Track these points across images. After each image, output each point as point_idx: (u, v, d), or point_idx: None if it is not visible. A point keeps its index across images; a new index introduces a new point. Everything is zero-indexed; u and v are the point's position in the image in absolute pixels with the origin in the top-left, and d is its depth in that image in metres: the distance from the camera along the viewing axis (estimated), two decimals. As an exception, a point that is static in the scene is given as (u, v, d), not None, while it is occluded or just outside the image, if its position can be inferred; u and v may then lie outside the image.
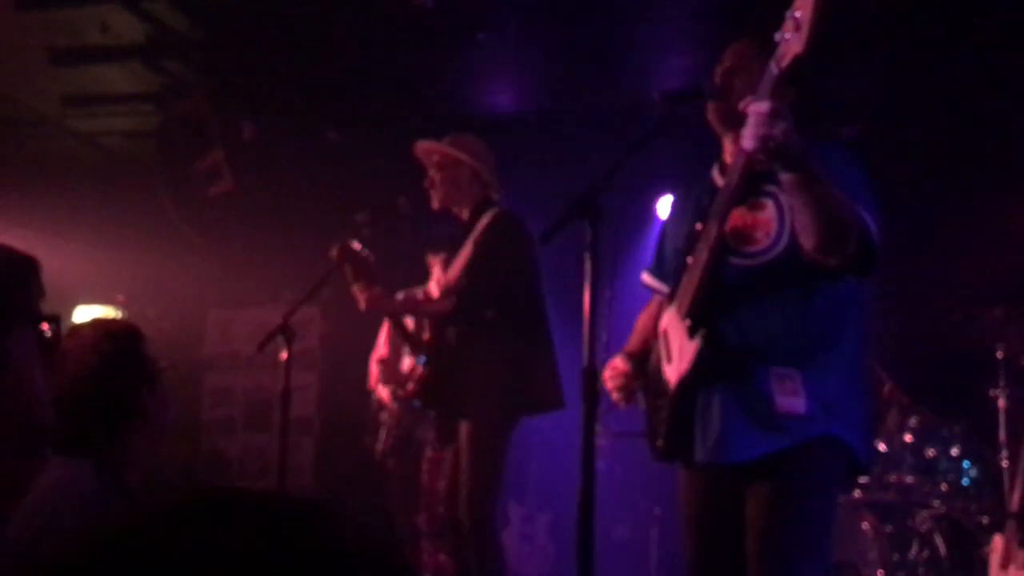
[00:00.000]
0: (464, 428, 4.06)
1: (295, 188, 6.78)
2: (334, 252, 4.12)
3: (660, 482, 6.27)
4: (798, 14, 2.23)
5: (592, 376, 2.45)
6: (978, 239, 5.67)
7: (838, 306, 2.56)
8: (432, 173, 4.29)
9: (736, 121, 2.71)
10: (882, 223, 2.46)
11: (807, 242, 2.41)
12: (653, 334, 2.86)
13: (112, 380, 2.11)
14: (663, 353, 2.74)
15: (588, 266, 2.44)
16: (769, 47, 2.72)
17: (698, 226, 2.62)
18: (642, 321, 2.98)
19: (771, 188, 2.54)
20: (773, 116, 2.24)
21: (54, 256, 7.11)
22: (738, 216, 2.57)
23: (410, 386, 4.22)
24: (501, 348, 4.06)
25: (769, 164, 2.35)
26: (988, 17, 5.23)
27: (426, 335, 4.26)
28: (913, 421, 4.64)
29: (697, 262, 2.58)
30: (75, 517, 2.04)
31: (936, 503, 4.52)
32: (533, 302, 4.21)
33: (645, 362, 2.83)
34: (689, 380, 2.60)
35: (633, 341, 2.93)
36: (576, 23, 5.55)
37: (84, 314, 7.87)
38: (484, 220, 4.21)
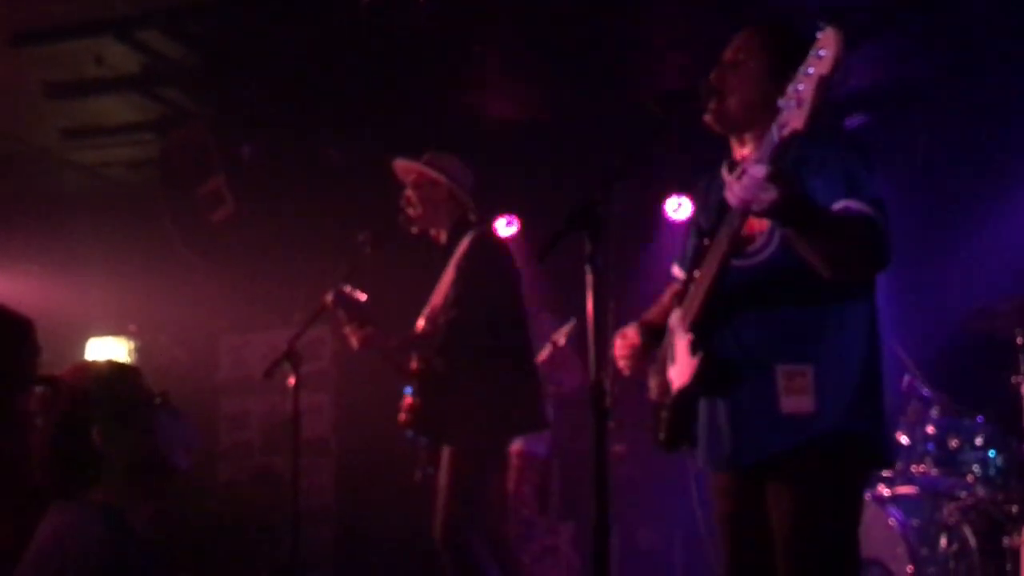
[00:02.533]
0: (446, 453, 4.03)
1: (298, 209, 6.76)
2: (329, 298, 4.12)
3: (684, 487, 6.22)
4: (801, 87, 2.20)
5: (600, 390, 2.40)
6: (995, 225, 5.60)
7: (845, 296, 2.52)
8: (408, 192, 4.27)
9: (733, 122, 2.67)
10: (888, 211, 2.44)
11: (819, 271, 2.41)
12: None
13: (62, 427, 2.06)
14: (669, 352, 2.74)
15: (589, 279, 2.40)
16: (774, 39, 2.66)
17: (705, 241, 2.60)
18: (663, 298, 2.98)
19: None
20: (768, 181, 2.22)
21: (64, 290, 7.19)
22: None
23: (401, 416, 4.19)
24: (486, 372, 4.04)
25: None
26: (996, 3, 5.17)
27: (413, 364, 4.23)
28: (935, 412, 4.57)
29: (703, 278, 2.57)
30: (81, 562, 2.01)
31: (963, 494, 4.44)
32: (516, 324, 4.19)
33: (659, 335, 2.82)
34: (688, 392, 2.62)
35: (653, 312, 2.94)
36: (573, 29, 5.51)
37: (97, 346, 7.87)
38: (464, 243, 4.17)
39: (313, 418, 7.15)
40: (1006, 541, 4.24)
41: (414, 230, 4.32)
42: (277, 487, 7.23)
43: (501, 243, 4.37)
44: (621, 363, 2.84)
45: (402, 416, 4.27)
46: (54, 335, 7.36)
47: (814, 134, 2.38)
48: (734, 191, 2.27)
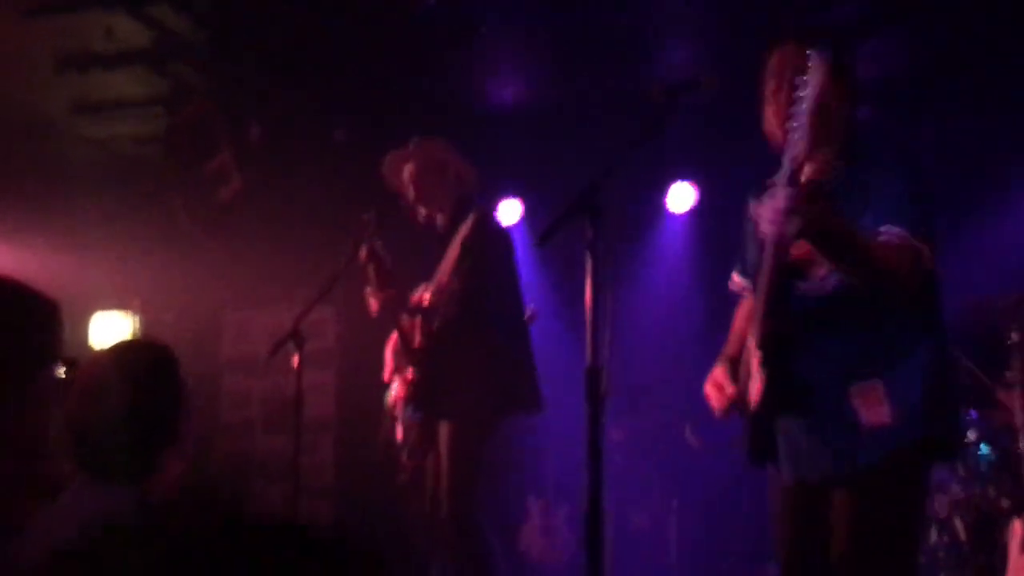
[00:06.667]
0: (444, 428, 4.08)
1: (304, 187, 6.77)
2: (363, 252, 4.13)
3: (678, 473, 6.26)
4: (795, 121, 2.37)
5: (596, 375, 2.43)
6: (997, 221, 5.60)
7: (912, 309, 2.59)
8: (416, 181, 4.25)
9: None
10: (937, 232, 2.54)
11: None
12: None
13: (155, 406, 2.08)
14: (745, 370, 2.78)
15: (589, 265, 2.43)
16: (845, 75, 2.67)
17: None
18: (737, 322, 3.01)
19: None
20: (788, 213, 2.32)
21: (68, 263, 7.20)
22: (798, 247, 2.58)
23: (400, 390, 4.23)
24: (489, 348, 4.08)
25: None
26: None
27: (416, 339, 4.26)
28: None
29: (758, 300, 2.65)
30: (115, 548, 1.99)
31: (954, 488, 4.48)
32: (516, 303, 4.22)
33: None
34: (760, 408, 2.67)
35: (731, 344, 2.96)
36: (577, 14, 5.51)
37: (101, 320, 7.89)
38: (468, 222, 4.19)
39: (315, 397, 7.17)
40: (996, 535, 4.28)
41: (422, 213, 4.33)
42: (277, 466, 7.28)
43: (501, 224, 4.41)
44: (718, 413, 2.84)
45: (401, 391, 4.31)
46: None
47: (873, 158, 2.54)
48: (761, 223, 2.39)
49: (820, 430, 2.59)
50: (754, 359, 2.65)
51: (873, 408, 2.51)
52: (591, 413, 2.41)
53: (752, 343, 2.69)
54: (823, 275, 2.56)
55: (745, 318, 2.92)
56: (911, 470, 2.58)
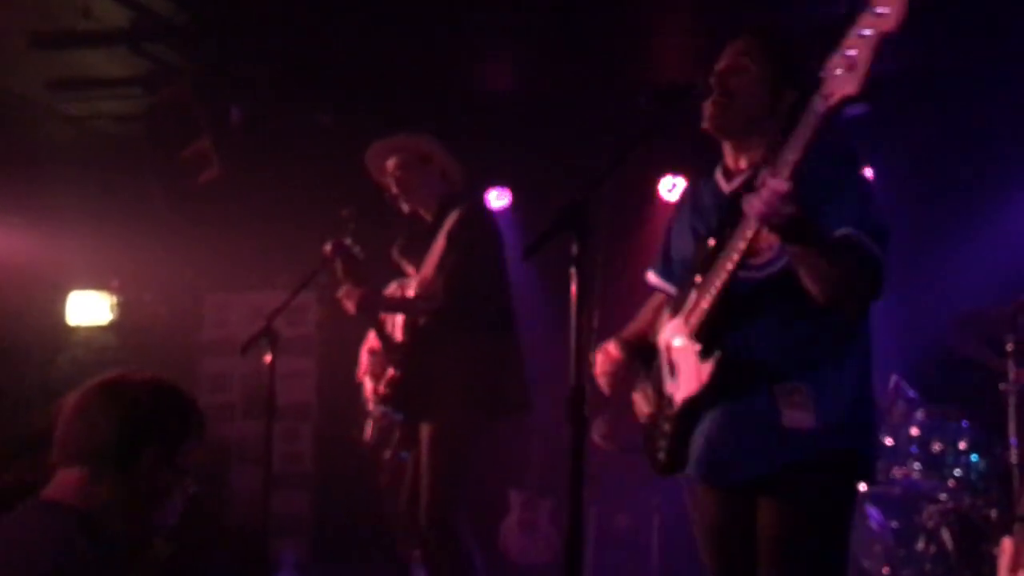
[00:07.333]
0: (425, 430, 3.96)
1: (288, 173, 6.66)
2: (328, 247, 4.03)
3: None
4: (852, 52, 2.10)
5: (580, 395, 2.34)
6: (991, 226, 5.53)
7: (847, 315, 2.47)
8: (398, 174, 4.14)
9: (734, 129, 2.60)
10: (889, 234, 2.40)
11: (814, 297, 2.38)
12: (652, 330, 2.79)
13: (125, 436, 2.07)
14: (665, 368, 2.66)
15: (575, 281, 2.33)
16: (777, 47, 2.59)
17: (711, 242, 2.54)
18: (644, 313, 2.91)
19: None
20: (789, 198, 2.19)
21: (47, 242, 7.08)
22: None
23: (380, 388, 4.12)
24: (472, 348, 3.96)
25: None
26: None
27: (398, 336, 4.15)
28: (920, 414, 4.53)
29: (709, 284, 2.49)
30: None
31: (943, 497, 4.42)
32: (504, 300, 4.10)
33: (640, 352, 2.76)
34: (697, 401, 2.54)
35: (631, 329, 2.86)
36: (575, 3, 5.40)
37: (78, 300, 7.76)
38: (455, 214, 4.07)
39: (296, 383, 7.10)
40: (984, 546, 4.22)
41: (405, 209, 4.23)
42: (256, 450, 7.19)
43: (492, 215, 4.30)
44: (602, 380, 2.75)
45: (381, 389, 4.20)
46: (36, 287, 7.24)
47: (830, 153, 2.40)
48: (753, 204, 2.23)
49: (741, 425, 2.49)
50: (687, 351, 2.54)
51: (795, 411, 2.43)
52: (574, 435, 2.31)
53: (679, 335, 2.58)
54: (760, 263, 2.46)
55: (653, 309, 2.85)
56: (840, 482, 2.49)
